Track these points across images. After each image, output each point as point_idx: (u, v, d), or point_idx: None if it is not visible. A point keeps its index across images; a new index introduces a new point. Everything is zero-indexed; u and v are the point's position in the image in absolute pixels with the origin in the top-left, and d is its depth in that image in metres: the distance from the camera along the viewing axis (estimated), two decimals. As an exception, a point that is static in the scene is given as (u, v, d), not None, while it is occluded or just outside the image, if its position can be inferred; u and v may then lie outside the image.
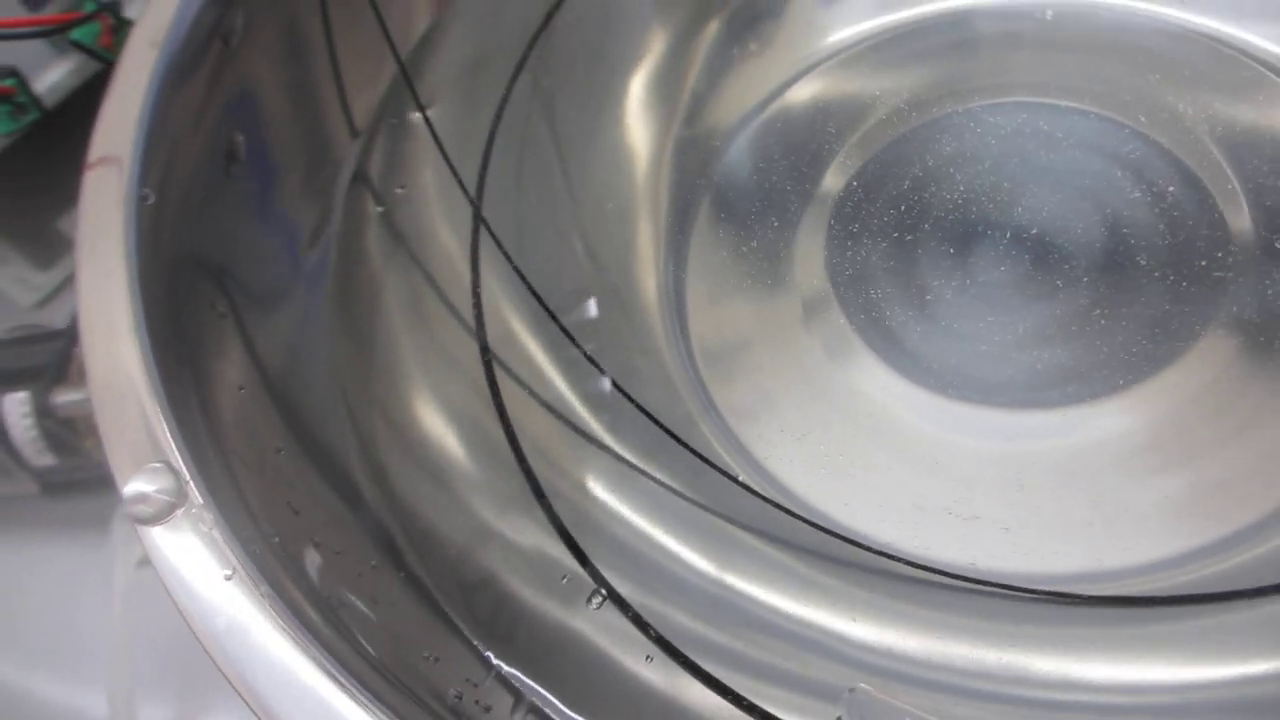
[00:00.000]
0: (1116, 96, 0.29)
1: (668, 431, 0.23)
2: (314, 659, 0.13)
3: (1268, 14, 0.28)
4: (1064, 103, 0.29)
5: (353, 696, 0.13)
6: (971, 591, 0.21)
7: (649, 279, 0.27)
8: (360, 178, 0.26)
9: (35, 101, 0.31)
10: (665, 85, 0.29)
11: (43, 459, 0.29)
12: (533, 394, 0.24)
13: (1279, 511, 0.22)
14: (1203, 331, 0.25)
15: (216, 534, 0.14)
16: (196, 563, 0.14)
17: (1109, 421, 0.24)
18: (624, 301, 0.26)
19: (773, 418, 0.25)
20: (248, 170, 0.22)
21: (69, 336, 0.29)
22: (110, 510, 0.31)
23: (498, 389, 0.24)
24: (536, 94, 0.27)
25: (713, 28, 0.29)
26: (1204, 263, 0.26)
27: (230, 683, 0.13)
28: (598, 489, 0.23)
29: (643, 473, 0.24)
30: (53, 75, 0.34)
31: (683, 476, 0.23)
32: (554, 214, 0.26)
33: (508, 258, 0.25)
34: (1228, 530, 0.22)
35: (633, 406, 0.24)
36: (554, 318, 0.24)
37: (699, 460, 0.23)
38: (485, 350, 0.24)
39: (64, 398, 0.28)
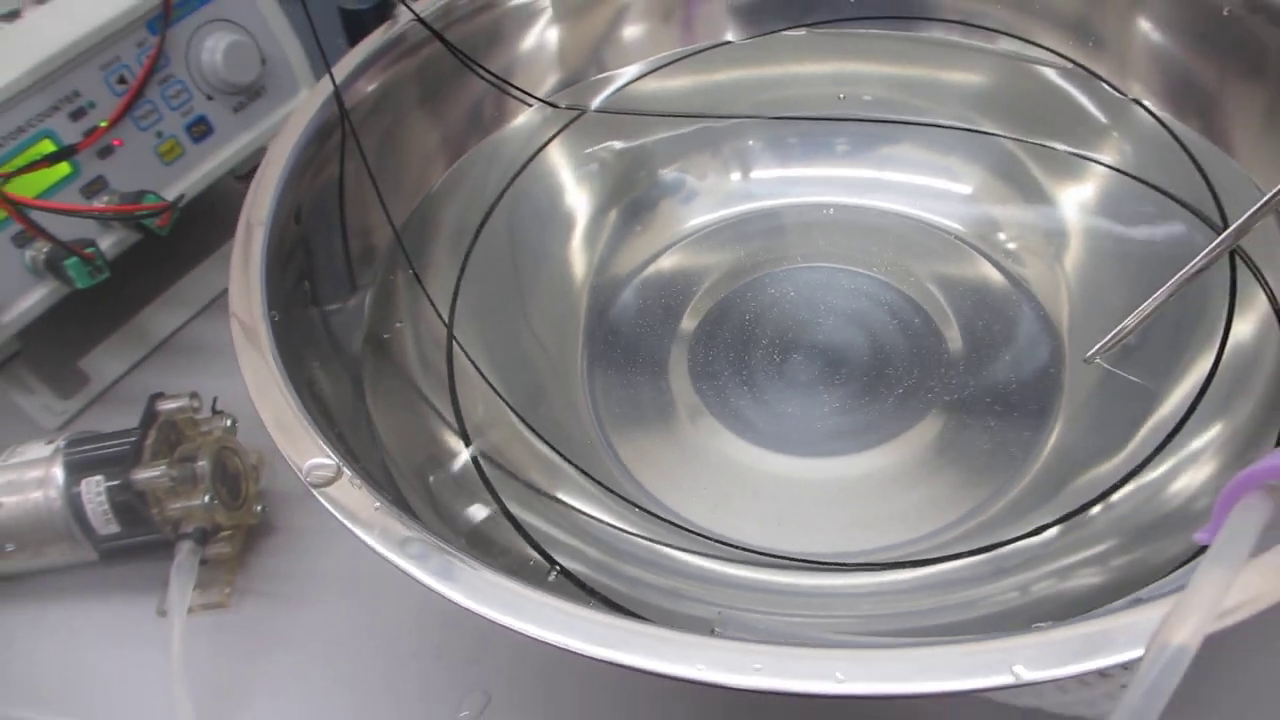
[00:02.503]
0: (873, 262, 0.43)
1: (598, 483, 0.35)
2: (418, 536, 0.24)
3: (951, 202, 0.43)
4: (842, 266, 0.44)
5: (436, 548, 0.24)
6: (788, 566, 0.34)
7: (576, 384, 0.39)
8: (373, 312, 0.37)
9: (107, 264, 0.42)
10: (586, 246, 0.43)
11: (108, 528, 0.38)
12: (500, 467, 0.36)
13: (961, 519, 0.35)
14: (927, 410, 0.38)
15: (364, 489, 0.25)
16: (357, 503, 0.25)
17: (870, 463, 0.37)
18: (564, 387, 0.38)
19: (659, 470, 0.38)
20: (314, 297, 0.34)
21: (141, 430, 0.39)
22: (164, 572, 0.39)
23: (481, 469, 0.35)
24: (505, 242, 0.40)
25: (613, 214, 0.44)
26: (929, 366, 0.40)
27: (385, 558, 0.24)
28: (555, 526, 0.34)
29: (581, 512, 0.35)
30: (102, 245, 0.45)
31: (612, 509, 0.35)
32: (514, 327, 0.39)
33: (473, 364, 0.37)
34: (936, 526, 0.35)
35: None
36: (512, 409, 0.37)
37: (620, 499, 0.35)
38: (466, 440, 0.35)
39: (141, 475, 0.38)
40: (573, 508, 0.35)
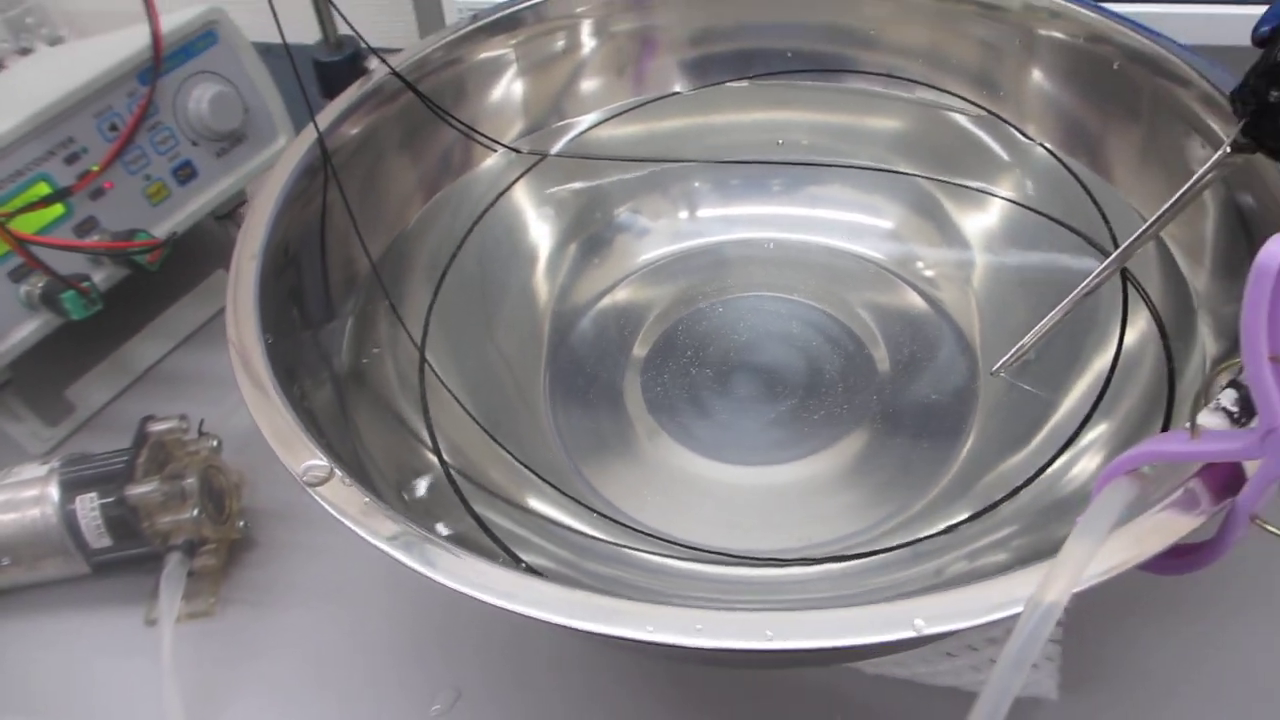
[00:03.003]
0: (810, 290, 0.48)
1: (562, 492, 0.39)
2: (404, 528, 0.27)
3: (875, 236, 0.48)
4: (779, 295, 0.48)
5: (421, 538, 0.27)
6: (735, 562, 0.37)
7: (540, 403, 0.43)
8: (354, 337, 0.41)
9: (101, 297, 0.45)
10: (548, 278, 0.47)
11: (101, 541, 0.41)
12: (471, 479, 0.39)
13: (887, 517, 0.39)
14: (858, 422, 0.43)
15: (350, 484, 0.28)
16: (348, 499, 0.28)
17: (809, 470, 0.41)
18: (529, 406, 0.42)
19: (617, 480, 0.41)
20: (302, 321, 0.38)
21: (133, 450, 0.42)
22: (150, 585, 0.42)
23: (452, 478, 0.38)
24: (475, 274, 0.44)
25: (573, 249, 0.48)
26: (859, 382, 0.44)
27: (376, 547, 0.27)
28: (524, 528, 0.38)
29: (547, 519, 0.39)
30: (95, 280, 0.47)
31: (577, 515, 0.39)
32: (483, 350, 0.43)
33: (443, 383, 0.41)
34: (866, 524, 0.39)
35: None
36: (481, 427, 0.40)
37: (583, 507, 0.39)
38: (443, 463, 0.39)
39: (134, 490, 0.40)
40: (540, 515, 0.38)
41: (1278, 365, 0.24)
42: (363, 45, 0.66)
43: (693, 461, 0.42)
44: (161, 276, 0.48)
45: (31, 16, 0.73)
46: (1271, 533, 0.26)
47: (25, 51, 0.70)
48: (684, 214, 0.50)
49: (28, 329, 0.45)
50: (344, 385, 0.38)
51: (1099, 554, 0.25)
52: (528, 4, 0.46)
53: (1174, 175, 0.39)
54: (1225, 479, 0.26)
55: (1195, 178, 0.34)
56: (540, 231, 0.48)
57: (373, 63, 0.61)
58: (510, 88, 0.47)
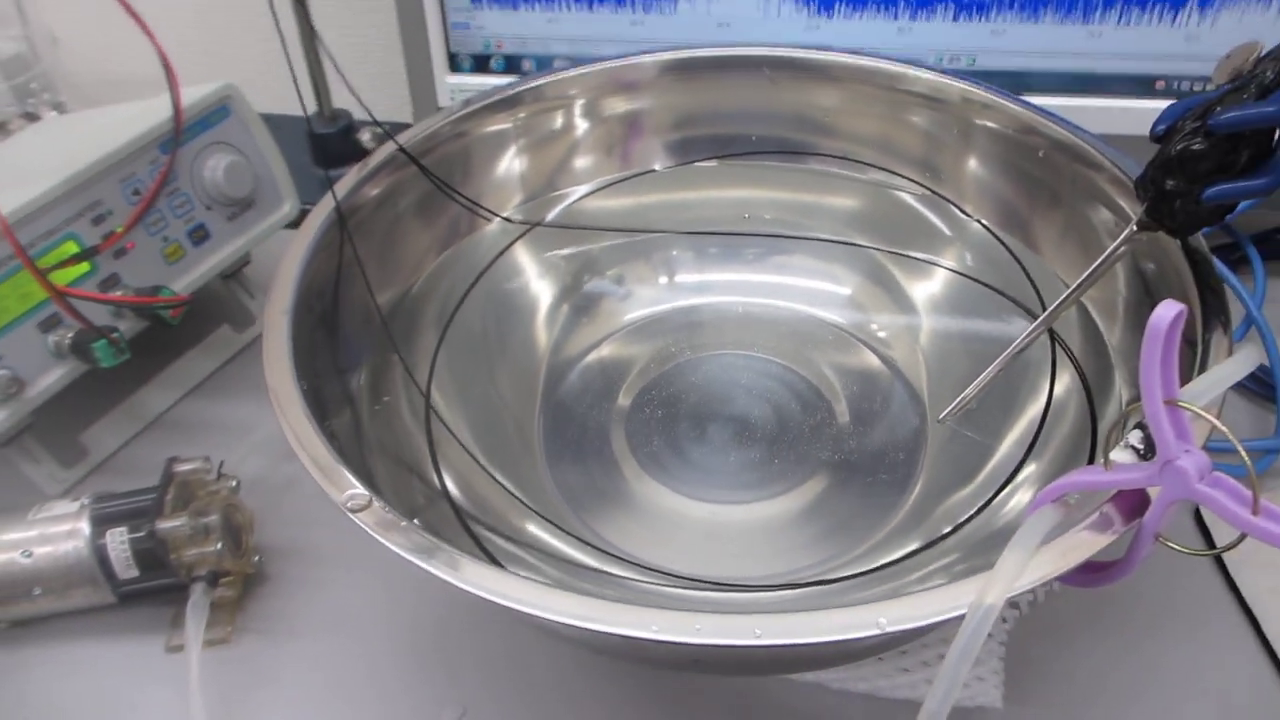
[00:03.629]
0: (777, 349, 0.53)
1: (557, 526, 0.43)
2: (436, 541, 0.31)
3: (839, 305, 0.54)
4: (751, 353, 0.53)
5: (458, 555, 0.31)
6: (710, 588, 0.42)
7: (535, 447, 0.48)
8: (364, 389, 0.45)
9: (129, 346, 0.49)
10: (545, 330, 0.52)
11: (128, 572, 0.44)
12: (472, 511, 0.43)
13: (847, 548, 0.43)
14: (821, 465, 0.48)
15: (388, 511, 0.32)
16: (387, 522, 0.32)
17: (778, 508, 0.46)
18: (526, 448, 0.47)
19: (609, 517, 0.46)
20: (332, 368, 0.42)
21: (161, 488, 0.45)
22: (168, 615, 0.46)
23: (457, 509, 0.43)
24: (479, 326, 0.49)
25: (565, 308, 0.53)
26: (821, 430, 0.49)
27: (417, 565, 0.31)
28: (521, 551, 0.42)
29: (542, 550, 0.43)
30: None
31: (568, 543, 0.43)
32: (485, 391, 0.48)
33: (446, 427, 0.45)
34: (828, 555, 0.43)
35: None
36: (481, 465, 0.44)
37: (575, 538, 0.43)
38: (449, 499, 0.43)
39: (164, 525, 0.44)
40: (534, 544, 0.42)
41: (1171, 408, 0.30)
42: (356, 118, 0.71)
43: (672, 499, 0.46)
44: (170, 330, 0.52)
45: (36, 83, 0.78)
46: (1173, 548, 0.31)
47: (31, 116, 0.74)
48: (664, 279, 0.55)
49: (53, 376, 0.49)
50: (363, 424, 0.42)
51: (1029, 566, 0.30)
52: (527, 85, 0.52)
53: (1091, 248, 0.45)
54: (1133, 504, 0.32)
55: (1108, 251, 0.40)
56: (539, 288, 0.53)
57: (365, 134, 0.67)
58: (511, 161, 0.53)
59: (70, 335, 0.48)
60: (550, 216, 0.54)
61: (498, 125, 0.52)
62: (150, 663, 0.45)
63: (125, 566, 0.44)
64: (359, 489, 0.33)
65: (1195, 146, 0.36)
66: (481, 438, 0.46)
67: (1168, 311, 0.28)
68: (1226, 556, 0.45)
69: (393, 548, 0.32)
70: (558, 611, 0.30)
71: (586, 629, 0.30)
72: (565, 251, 0.54)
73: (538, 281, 0.53)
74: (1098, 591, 0.43)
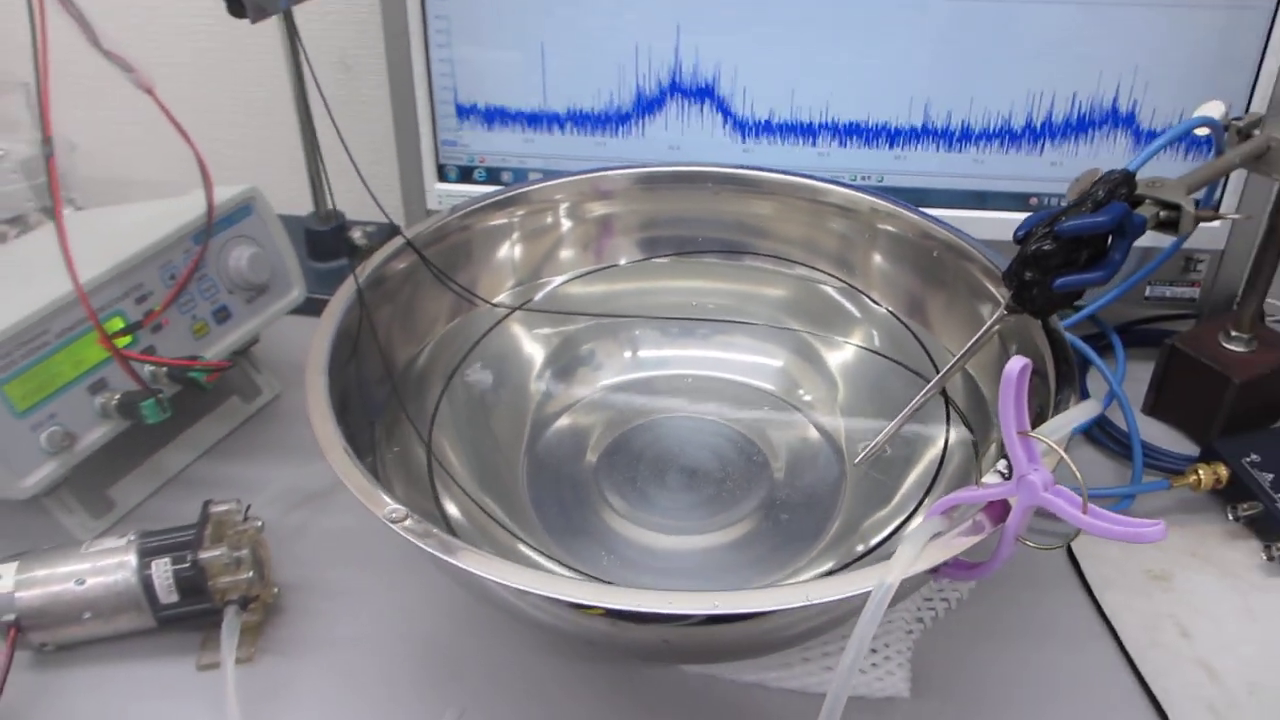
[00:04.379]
0: (723, 414, 0.63)
1: (545, 553, 0.52)
2: (459, 543, 0.40)
3: (769, 372, 0.64)
4: (697, 415, 0.63)
5: (486, 555, 0.39)
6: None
7: (520, 489, 0.56)
8: (383, 436, 0.54)
9: (172, 405, 0.57)
10: (531, 390, 0.61)
11: (170, 598, 0.51)
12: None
13: (783, 565, 0.53)
14: (759, 503, 0.57)
15: (419, 522, 0.41)
16: (423, 533, 0.40)
17: (721, 539, 0.55)
18: (515, 482, 0.55)
19: (590, 550, 0.54)
20: (360, 415, 0.51)
21: (200, 525, 0.53)
22: (197, 641, 0.52)
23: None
24: (475, 389, 0.58)
25: (547, 374, 0.63)
26: (758, 476, 0.58)
27: (454, 565, 0.39)
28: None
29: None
30: (147, 398, 0.59)
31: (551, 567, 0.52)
32: (485, 443, 0.57)
33: (448, 474, 0.54)
34: (768, 570, 0.53)
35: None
36: (483, 509, 0.53)
37: (556, 561, 0.51)
38: (450, 528, 0.51)
39: (205, 555, 0.51)
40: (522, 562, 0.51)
41: (1024, 438, 0.40)
42: (349, 218, 0.81)
43: (636, 532, 0.55)
44: (190, 396, 0.60)
45: (53, 184, 0.85)
46: (1030, 546, 0.41)
47: (48, 212, 0.82)
48: (628, 354, 0.65)
49: (97, 434, 0.56)
50: (383, 462, 0.51)
51: (919, 557, 0.39)
52: (522, 189, 0.63)
53: (974, 327, 0.55)
54: (999, 512, 0.41)
55: (984, 329, 0.51)
56: (531, 350, 0.63)
57: (356, 232, 0.76)
58: (507, 251, 0.63)
59: (117, 396, 0.56)
60: (537, 298, 0.64)
61: (497, 221, 0.62)
62: (183, 681, 0.51)
63: (167, 592, 0.51)
64: (396, 505, 0.42)
65: (1046, 247, 0.46)
66: (476, 474, 0.55)
67: (1016, 364, 0.38)
68: (1090, 580, 0.55)
69: (425, 548, 0.40)
70: (569, 594, 0.38)
71: (599, 606, 0.38)
72: (547, 331, 0.64)
73: (529, 346, 0.64)
74: (989, 608, 0.53)
